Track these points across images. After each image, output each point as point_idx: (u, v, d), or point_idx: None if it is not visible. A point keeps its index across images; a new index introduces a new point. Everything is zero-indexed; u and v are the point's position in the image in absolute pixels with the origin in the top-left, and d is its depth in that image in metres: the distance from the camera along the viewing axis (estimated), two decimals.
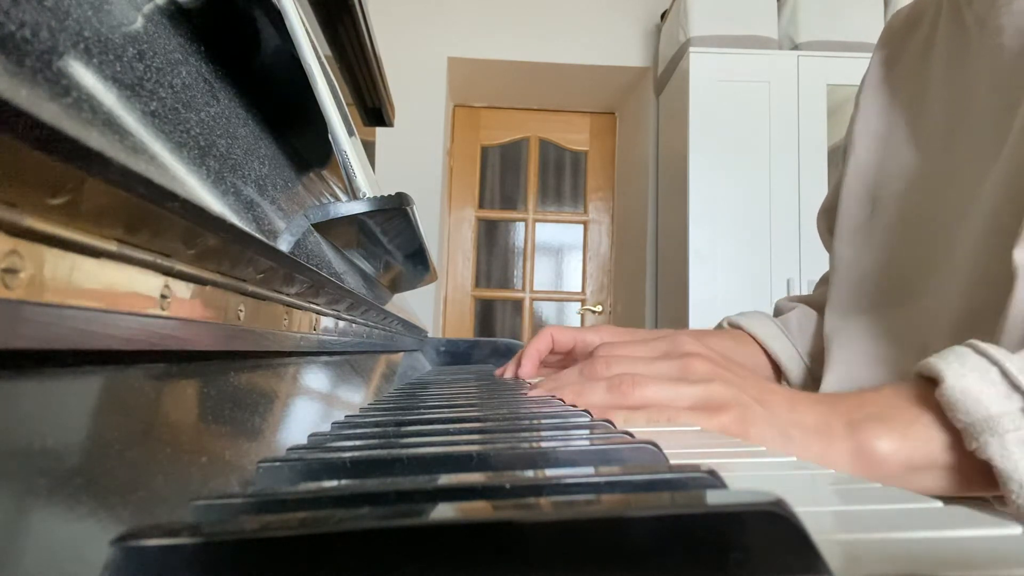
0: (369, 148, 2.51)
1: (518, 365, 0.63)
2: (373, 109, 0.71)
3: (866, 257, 0.62)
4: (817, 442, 0.36)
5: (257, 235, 0.24)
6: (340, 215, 0.42)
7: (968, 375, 0.33)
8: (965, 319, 0.48)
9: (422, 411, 0.40)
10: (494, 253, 3.19)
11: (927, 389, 0.36)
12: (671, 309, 2.45)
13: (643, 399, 0.38)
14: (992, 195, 0.47)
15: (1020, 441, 0.32)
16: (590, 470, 0.19)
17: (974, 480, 0.35)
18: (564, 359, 0.64)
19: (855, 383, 0.56)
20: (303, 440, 0.29)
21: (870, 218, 0.63)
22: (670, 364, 0.41)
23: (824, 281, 0.75)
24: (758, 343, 0.68)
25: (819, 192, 2.21)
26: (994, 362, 0.34)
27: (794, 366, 0.67)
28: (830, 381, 0.59)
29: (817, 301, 0.72)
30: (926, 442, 0.35)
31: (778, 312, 0.74)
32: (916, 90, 0.61)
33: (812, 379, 0.67)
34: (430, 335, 1.27)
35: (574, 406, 0.39)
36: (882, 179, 0.62)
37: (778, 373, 0.68)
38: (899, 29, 0.66)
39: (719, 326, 0.73)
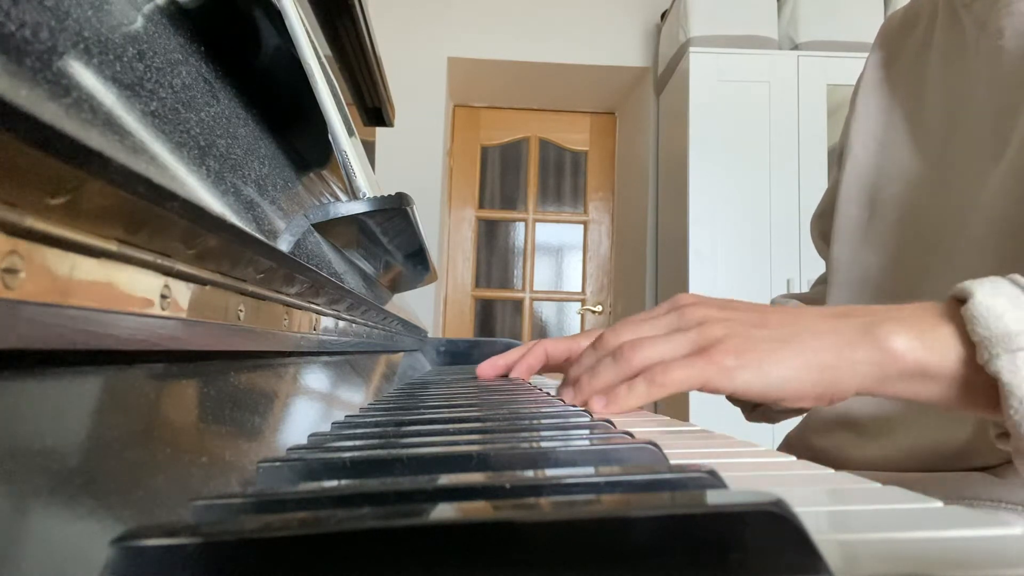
0: (369, 148, 2.51)
1: (505, 371, 0.63)
2: (373, 109, 0.71)
3: (865, 258, 0.62)
4: (828, 340, 0.36)
5: (257, 235, 0.24)
6: (340, 215, 0.42)
7: (999, 296, 0.34)
8: None
9: (422, 411, 0.40)
10: (494, 253, 3.19)
11: (955, 306, 0.36)
12: None
13: (643, 360, 0.39)
14: (995, 198, 0.47)
15: None
16: (590, 470, 0.19)
17: (977, 396, 0.35)
18: (561, 365, 0.64)
19: None
20: (303, 440, 0.29)
21: (869, 219, 0.63)
22: (668, 319, 0.42)
23: (821, 281, 0.75)
24: None
25: (819, 192, 2.20)
26: None
27: None
28: None
29: (814, 299, 0.72)
30: (942, 348, 0.35)
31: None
32: (914, 91, 0.61)
33: None
34: (430, 335, 1.27)
35: (586, 395, 0.41)
36: (880, 180, 0.62)
37: None
38: (895, 30, 0.66)
39: None
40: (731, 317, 0.39)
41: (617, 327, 0.44)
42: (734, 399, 0.52)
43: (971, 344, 0.34)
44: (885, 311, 0.37)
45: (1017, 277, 0.35)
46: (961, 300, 0.35)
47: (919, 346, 0.35)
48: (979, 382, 0.35)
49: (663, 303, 0.45)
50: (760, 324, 0.38)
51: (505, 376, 0.64)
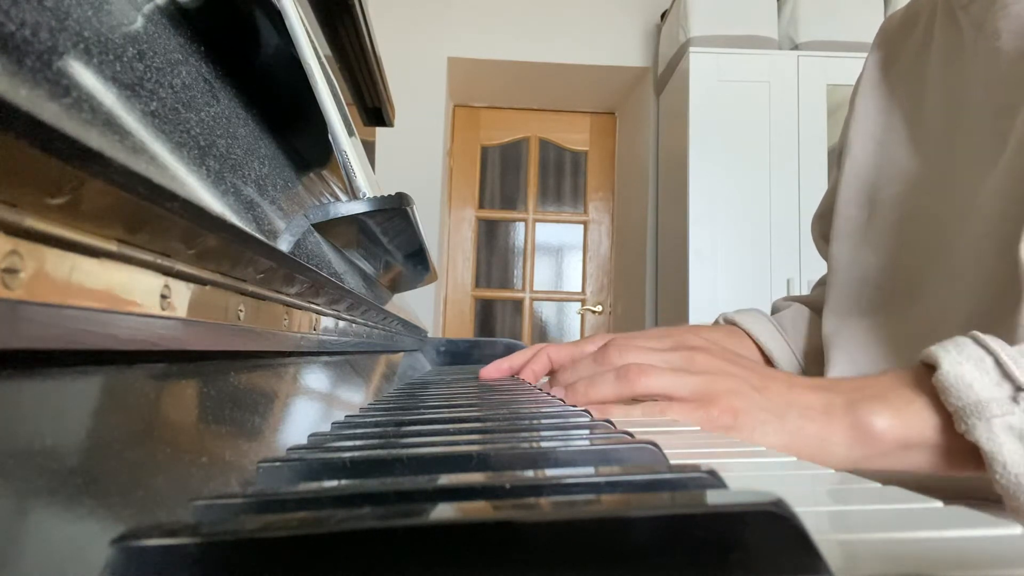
0: (369, 148, 2.51)
1: (509, 374, 0.63)
2: (373, 109, 0.71)
3: (865, 259, 0.62)
4: (816, 419, 0.38)
5: (257, 235, 0.24)
6: (340, 215, 0.42)
7: (964, 363, 0.35)
8: (970, 322, 0.48)
9: (422, 411, 0.40)
10: (494, 253, 3.19)
11: (926, 375, 0.37)
12: (671, 309, 2.45)
13: (646, 387, 0.40)
14: (993, 199, 0.48)
15: (1006, 427, 0.33)
16: (590, 470, 0.19)
17: (962, 461, 0.36)
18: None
19: None
20: (303, 440, 0.29)
21: (868, 220, 0.63)
22: (677, 355, 0.43)
23: (822, 283, 0.75)
24: (752, 340, 0.68)
25: (819, 192, 2.20)
26: (990, 351, 0.35)
27: (787, 363, 0.67)
28: None
29: (814, 301, 0.72)
30: (920, 422, 0.36)
31: (774, 311, 0.75)
32: (913, 92, 0.61)
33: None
34: (430, 335, 1.27)
35: (579, 402, 0.42)
36: (880, 181, 0.62)
37: None
38: (894, 32, 0.66)
39: (716, 323, 0.73)
40: (736, 374, 0.40)
41: (622, 346, 0.45)
42: None
43: (947, 412, 0.36)
44: (864, 386, 0.39)
45: (979, 335, 0.36)
46: (931, 366, 0.37)
47: (899, 424, 0.37)
48: (961, 447, 0.36)
49: (668, 336, 0.46)
50: (761, 388, 0.39)
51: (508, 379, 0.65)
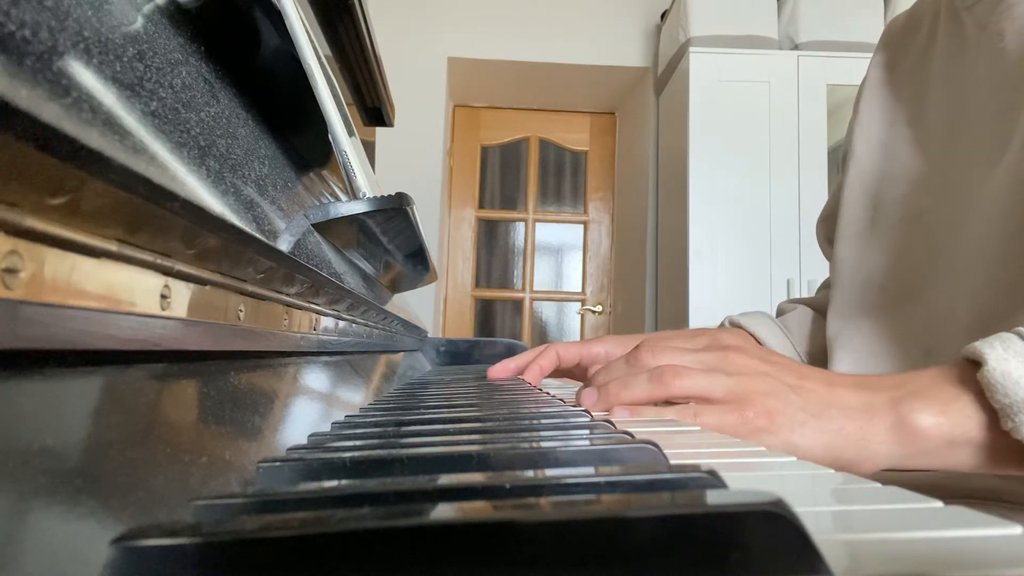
0: (369, 148, 2.51)
1: (516, 373, 0.63)
2: (373, 109, 0.71)
3: (869, 260, 0.62)
4: (856, 418, 0.37)
5: (257, 235, 0.24)
6: (340, 215, 0.42)
7: (1011, 359, 0.34)
8: (974, 322, 0.48)
9: (422, 411, 0.40)
10: (494, 253, 3.19)
11: (970, 371, 0.37)
12: (671, 309, 2.45)
13: (681, 389, 0.40)
14: (997, 199, 0.47)
15: None
16: (590, 470, 0.19)
17: (1008, 459, 0.36)
18: (571, 370, 0.65)
19: None
20: (303, 440, 0.29)
21: (872, 221, 0.63)
22: (711, 355, 0.42)
23: (826, 286, 0.75)
24: (758, 342, 0.68)
25: (819, 192, 2.21)
26: None
27: None
28: None
29: (818, 303, 0.72)
30: (965, 419, 0.36)
31: (779, 313, 0.75)
32: (916, 93, 0.61)
33: None
34: (430, 335, 1.27)
35: (612, 404, 0.41)
36: (884, 183, 0.62)
37: None
38: (898, 33, 0.66)
39: (721, 325, 0.73)
40: (771, 374, 0.40)
41: (654, 347, 0.44)
42: None
43: (992, 409, 0.35)
44: (905, 383, 0.38)
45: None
46: (974, 362, 0.36)
47: (944, 421, 0.36)
48: (1007, 445, 0.35)
49: (701, 335, 0.45)
50: (797, 387, 0.39)
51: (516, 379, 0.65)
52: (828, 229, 0.71)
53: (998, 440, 0.35)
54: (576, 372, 0.65)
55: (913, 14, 0.66)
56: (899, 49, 0.65)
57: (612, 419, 0.38)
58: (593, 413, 0.38)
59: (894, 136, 0.62)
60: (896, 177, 0.61)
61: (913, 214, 0.59)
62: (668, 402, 0.41)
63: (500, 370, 0.64)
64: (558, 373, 0.65)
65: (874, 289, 0.61)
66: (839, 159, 0.72)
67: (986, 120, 0.52)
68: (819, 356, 0.65)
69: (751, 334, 0.68)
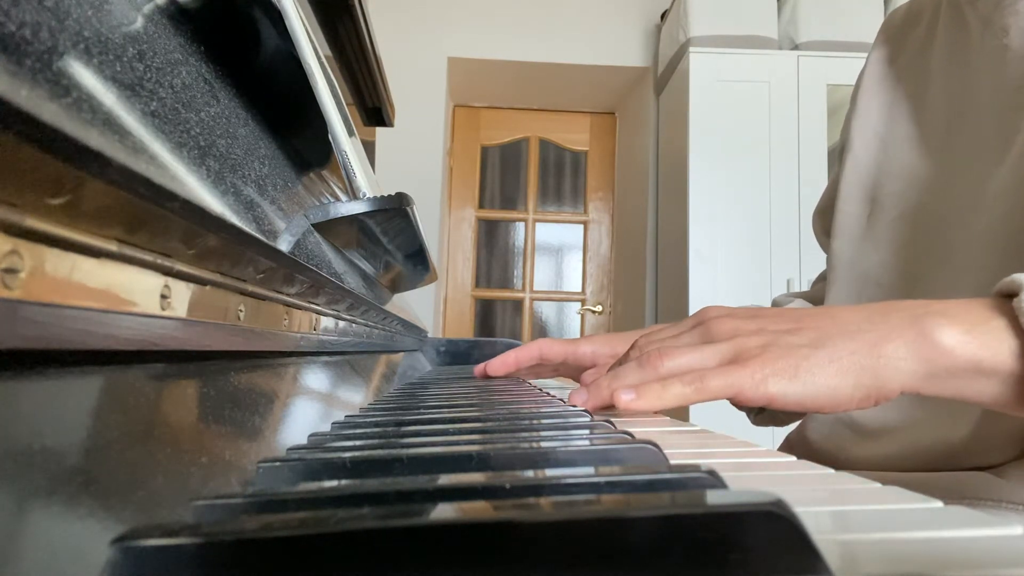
0: (369, 148, 2.51)
1: (500, 364, 0.64)
2: (373, 109, 0.71)
3: (866, 255, 0.62)
4: (870, 340, 0.34)
5: (257, 235, 0.24)
6: (340, 215, 0.42)
7: None
8: None
9: (422, 411, 0.40)
10: (494, 253, 3.19)
11: (1002, 302, 0.35)
12: (671, 309, 2.45)
13: (671, 368, 0.38)
14: (999, 197, 0.47)
15: None
16: (590, 470, 0.19)
17: None
18: (558, 368, 0.65)
19: None
20: (303, 440, 0.29)
21: (870, 216, 0.63)
22: (696, 331, 0.41)
23: (822, 278, 0.75)
24: None
25: (819, 192, 2.20)
26: None
27: None
28: None
29: (814, 297, 0.72)
30: (997, 343, 0.34)
31: (775, 307, 0.75)
32: (916, 88, 0.61)
33: None
34: (430, 335, 1.27)
35: (603, 396, 0.39)
36: (882, 178, 0.62)
37: None
38: (897, 27, 0.66)
39: None
40: (763, 327, 0.38)
41: (641, 344, 0.43)
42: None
43: None
44: (927, 304, 0.35)
45: None
46: (1008, 295, 0.34)
47: (971, 340, 0.33)
48: None
49: (689, 318, 0.43)
50: (793, 330, 0.37)
51: (507, 376, 0.65)
52: (825, 221, 0.71)
53: None
54: (570, 372, 0.66)
55: (912, 7, 0.65)
56: (898, 43, 0.65)
57: (616, 404, 0.37)
58: (593, 414, 0.38)
59: (892, 131, 0.62)
60: (894, 173, 0.61)
61: (911, 210, 0.59)
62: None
63: (482, 367, 0.66)
64: (545, 369, 0.66)
65: (871, 285, 0.61)
66: (837, 153, 0.72)
67: (988, 117, 0.52)
68: None
69: None
